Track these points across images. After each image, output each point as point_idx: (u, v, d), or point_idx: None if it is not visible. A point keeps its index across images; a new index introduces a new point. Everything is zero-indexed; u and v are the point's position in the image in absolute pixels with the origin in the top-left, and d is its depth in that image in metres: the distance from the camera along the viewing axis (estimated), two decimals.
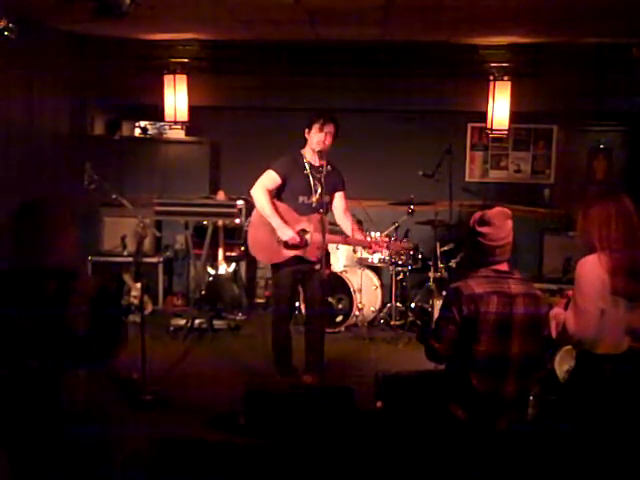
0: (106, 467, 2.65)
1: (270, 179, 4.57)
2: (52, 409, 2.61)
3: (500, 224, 3.05)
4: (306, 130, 4.57)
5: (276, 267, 4.68)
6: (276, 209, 4.53)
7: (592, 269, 3.01)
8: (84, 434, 2.61)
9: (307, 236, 4.54)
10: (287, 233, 4.48)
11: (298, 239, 4.50)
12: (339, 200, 4.73)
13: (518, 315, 3.00)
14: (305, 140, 4.62)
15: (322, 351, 4.67)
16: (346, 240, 4.72)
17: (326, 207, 4.49)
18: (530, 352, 3.04)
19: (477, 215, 3.10)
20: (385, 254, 6.11)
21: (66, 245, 2.75)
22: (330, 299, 6.17)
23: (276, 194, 4.63)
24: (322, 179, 4.47)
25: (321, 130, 4.48)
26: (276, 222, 4.50)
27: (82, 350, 2.67)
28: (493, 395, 3.02)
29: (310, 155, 4.59)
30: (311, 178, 4.55)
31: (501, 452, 3.04)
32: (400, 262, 6.15)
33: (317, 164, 4.57)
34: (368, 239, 4.78)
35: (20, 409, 2.61)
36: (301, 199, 4.56)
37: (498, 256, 3.06)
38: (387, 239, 4.79)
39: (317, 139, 4.49)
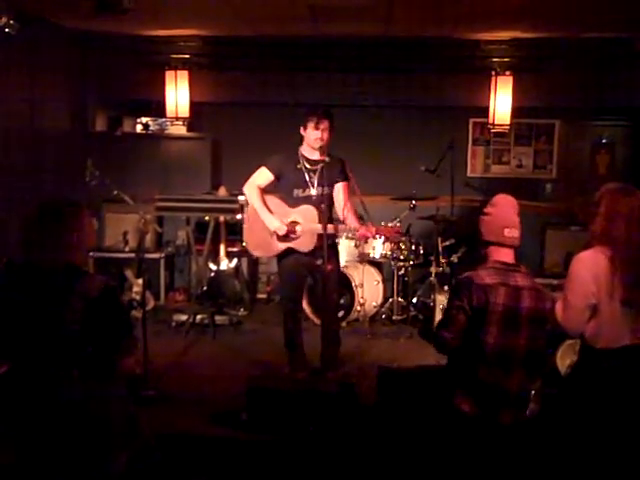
0: (109, 463, 2.66)
1: (262, 176, 4.61)
2: (51, 407, 2.60)
3: (503, 204, 3.12)
4: (301, 128, 4.55)
5: (279, 260, 4.71)
6: (266, 203, 4.57)
7: (585, 266, 3.01)
8: (87, 432, 2.62)
9: (298, 227, 4.54)
10: (274, 224, 4.52)
11: (285, 229, 4.52)
12: (339, 192, 4.67)
13: (525, 308, 3.01)
14: (301, 137, 4.59)
15: (338, 345, 4.74)
16: (336, 227, 4.57)
17: (325, 199, 4.46)
18: (536, 346, 3.05)
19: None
20: (387, 247, 6.11)
21: (79, 244, 2.75)
22: None
23: (274, 189, 4.65)
24: (319, 172, 4.48)
25: (316, 128, 4.46)
26: (264, 215, 4.55)
27: (78, 351, 2.63)
28: (498, 388, 3.02)
29: (308, 151, 4.58)
30: (306, 172, 4.54)
31: (505, 446, 3.04)
32: (402, 257, 6.15)
33: (315, 158, 4.54)
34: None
35: (21, 406, 2.61)
36: (296, 192, 4.56)
37: (507, 238, 3.08)
38: (376, 226, 4.71)
39: (314, 137, 4.47)
